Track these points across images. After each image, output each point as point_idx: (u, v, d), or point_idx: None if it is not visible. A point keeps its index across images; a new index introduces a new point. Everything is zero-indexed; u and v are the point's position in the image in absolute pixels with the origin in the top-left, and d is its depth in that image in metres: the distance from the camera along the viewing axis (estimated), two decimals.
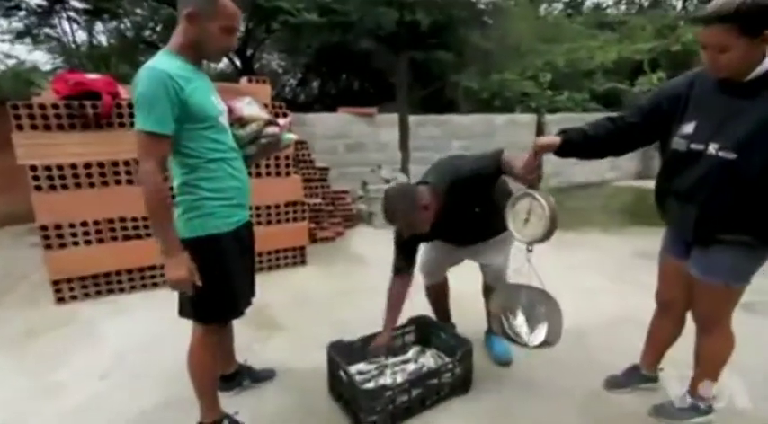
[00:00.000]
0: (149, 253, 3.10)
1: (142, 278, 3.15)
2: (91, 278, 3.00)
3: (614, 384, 1.99)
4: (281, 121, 1.87)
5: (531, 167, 1.64)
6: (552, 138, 1.62)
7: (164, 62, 1.37)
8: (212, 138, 1.49)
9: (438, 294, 2.29)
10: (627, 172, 8.66)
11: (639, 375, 1.96)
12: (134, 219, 3.06)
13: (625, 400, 1.92)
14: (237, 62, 9.36)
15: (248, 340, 2.37)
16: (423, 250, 2.17)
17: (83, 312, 2.84)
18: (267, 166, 3.51)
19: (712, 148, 1.38)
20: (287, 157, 3.61)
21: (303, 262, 3.72)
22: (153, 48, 9.54)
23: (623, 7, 14.48)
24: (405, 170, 6.45)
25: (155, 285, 3.18)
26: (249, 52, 9.45)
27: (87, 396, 1.99)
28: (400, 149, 6.54)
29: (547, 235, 1.61)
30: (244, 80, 3.91)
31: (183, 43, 1.43)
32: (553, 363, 2.12)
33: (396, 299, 2.01)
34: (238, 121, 1.70)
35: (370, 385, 1.83)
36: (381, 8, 6.31)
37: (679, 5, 12.70)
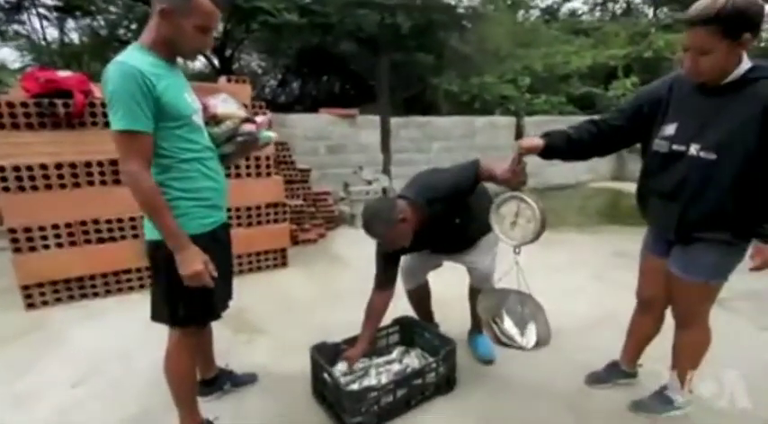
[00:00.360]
0: (124, 256, 3.02)
1: (117, 282, 3.05)
2: (63, 282, 2.89)
3: (595, 379, 2.03)
4: (259, 119, 1.83)
5: (515, 170, 1.65)
6: (536, 141, 1.64)
7: (135, 58, 1.32)
8: (186, 138, 1.44)
9: (420, 297, 2.29)
10: (602, 174, 8.88)
11: (619, 371, 2.00)
12: (108, 221, 2.96)
13: (605, 395, 1.95)
14: (216, 62, 9.22)
15: (228, 344, 2.32)
16: (403, 256, 2.17)
17: (54, 317, 2.73)
18: (247, 167, 3.46)
19: (693, 149, 1.42)
20: (267, 158, 3.57)
21: (284, 264, 3.68)
22: (127, 46, 9.33)
23: (597, 14, 14.92)
24: (386, 171, 6.46)
25: (130, 288, 3.09)
26: (228, 52, 9.31)
27: (60, 405, 1.92)
28: (381, 151, 6.55)
29: (537, 236, 1.63)
30: (223, 80, 3.85)
31: (155, 39, 1.38)
32: (535, 361, 2.14)
33: (375, 313, 1.95)
34: (213, 119, 1.65)
35: (355, 387, 1.82)
36: (362, 10, 6.31)
37: (650, 13, 13.14)
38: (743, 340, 2.40)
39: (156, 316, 1.56)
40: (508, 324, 1.88)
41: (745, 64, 1.33)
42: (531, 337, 1.83)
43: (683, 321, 1.69)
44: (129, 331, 2.51)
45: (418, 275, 2.21)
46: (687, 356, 1.73)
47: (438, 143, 7.17)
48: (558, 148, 1.65)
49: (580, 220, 5.66)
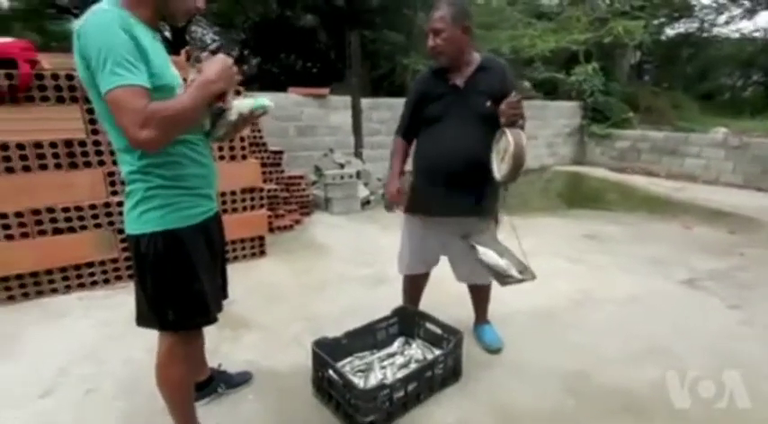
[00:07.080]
0: (85, 248, 2.73)
1: (79, 277, 2.76)
2: (15, 278, 2.57)
3: None
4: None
5: (507, 104, 1.64)
6: None
7: (111, 9, 1.10)
8: None
9: (418, 287, 2.22)
10: (563, 158, 9.14)
11: None
12: (65, 210, 2.65)
13: (604, 376, 1.98)
14: (168, 35, 8.55)
15: (216, 341, 2.16)
16: (404, 239, 2.09)
17: (7, 318, 2.43)
18: (220, 149, 3.21)
19: None
20: (242, 139, 3.33)
21: (263, 253, 3.48)
22: (66, 13, 8.42)
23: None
24: (358, 154, 6.29)
25: (94, 284, 2.81)
26: (181, 24, 8.66)
27: (28, 418, 1.70)
28: (353, 133, 6.36)
29: (512, 173, 1.62)
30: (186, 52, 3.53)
31: None
32: (533, 343, 2.22)
33: (400, 151, 2.03)
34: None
35: (361, 383, 1.75)
36: None
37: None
38: (714, 318, 2.53)
39: (143, 321, 1.39)
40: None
41: None
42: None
43: None
44: (95, 331, 2.28)
45: (425, 260, 2.09)
46: None
47: None
48: None
49: (550, 203, 5.79)
